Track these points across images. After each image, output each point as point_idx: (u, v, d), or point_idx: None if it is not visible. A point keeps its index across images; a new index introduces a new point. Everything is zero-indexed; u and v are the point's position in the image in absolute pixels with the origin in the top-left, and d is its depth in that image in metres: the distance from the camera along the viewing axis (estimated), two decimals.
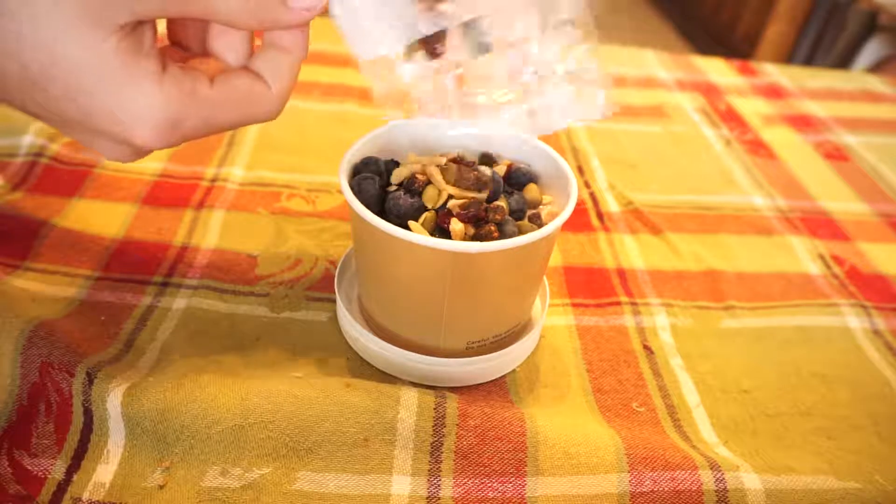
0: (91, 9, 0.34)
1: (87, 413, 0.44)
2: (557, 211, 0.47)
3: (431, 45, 0.44)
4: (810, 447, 0.50)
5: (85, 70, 0.36)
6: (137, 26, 0.36)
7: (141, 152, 0.41)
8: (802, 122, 0.98)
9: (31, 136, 0.69)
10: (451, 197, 0.46)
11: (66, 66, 0.35)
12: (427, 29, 0.41)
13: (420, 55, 0.44)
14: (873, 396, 0.54)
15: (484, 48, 0.44)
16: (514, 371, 0.53)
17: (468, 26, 0.43)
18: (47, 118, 0.39)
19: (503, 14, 0.43)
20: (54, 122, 0.39)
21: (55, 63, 0.35)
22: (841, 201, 0.80)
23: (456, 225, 0.45)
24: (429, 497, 0.43)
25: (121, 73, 0.36)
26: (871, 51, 2.53)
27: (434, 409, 0.46)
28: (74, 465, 0.43)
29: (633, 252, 0.67)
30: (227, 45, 0.43)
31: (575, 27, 0.43)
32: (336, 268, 0.56)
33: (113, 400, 0.44)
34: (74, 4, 0.34)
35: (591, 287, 0.62)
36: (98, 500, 0.41)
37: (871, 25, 2.56)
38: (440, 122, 0.54)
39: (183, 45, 0.44)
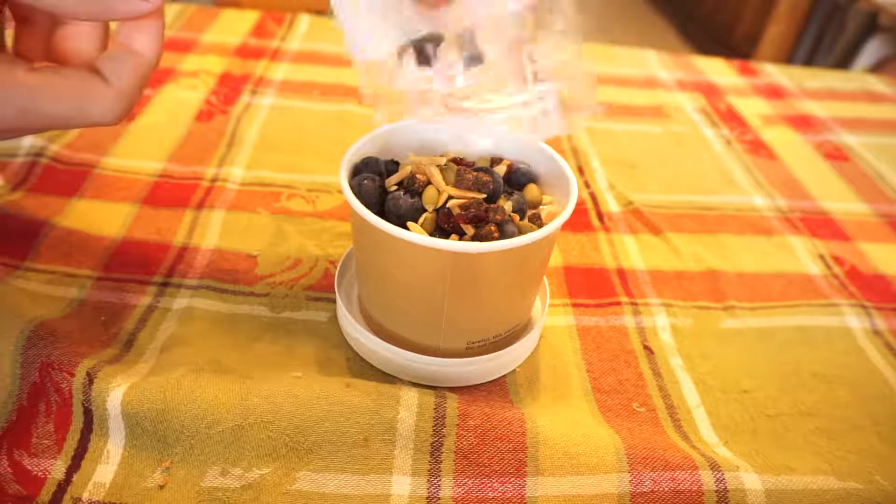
0: None
1: (87, 413, 0.44)
2: (558, 211, 0.47)
3: (424, 49, 0.43)
4: (810, 447, 0.50)
5: None
6: None
7: None
8: (802, 123, 0.98)
9: (32, 136, 0.69)
10: (451, 197, 0.46)
11: None
12: (422, 32, 0.41)
13: (412, 58, 0.44)
14: (873, 396, 0.54)
15: (476, 59, 0.44)
16: (514, 371, 0.53)
17: (462, 35, 0.43)
18: None
19: (497, 22, 0.42)
20: None
21: None
22: (841, 201, 0.80)
23: (468, 229, 0.45)
24: (429, 497, 0.43)
25: None
26: (871, 51, 2.53)
27: (434, 409, 0.45)
28: (74, 465, 0.43)
29: (633, 252, 0.67)
30: (71, 49, 0.42)
31: (567, 34, 0.43)
32: (336, 268, 0.56)
33: (113, 400, 0.44)
34: None
35: (591, 287, 0.62)
36: (98, 500, 0.41)
37: (871, 25, 2.56)
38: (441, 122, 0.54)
39: (27, 58, 0.42)
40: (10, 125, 0.38)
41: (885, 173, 0.86)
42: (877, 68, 2.39)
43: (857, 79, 1.15)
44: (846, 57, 2.61)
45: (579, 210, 0.72)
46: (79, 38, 0.41)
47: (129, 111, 0.41)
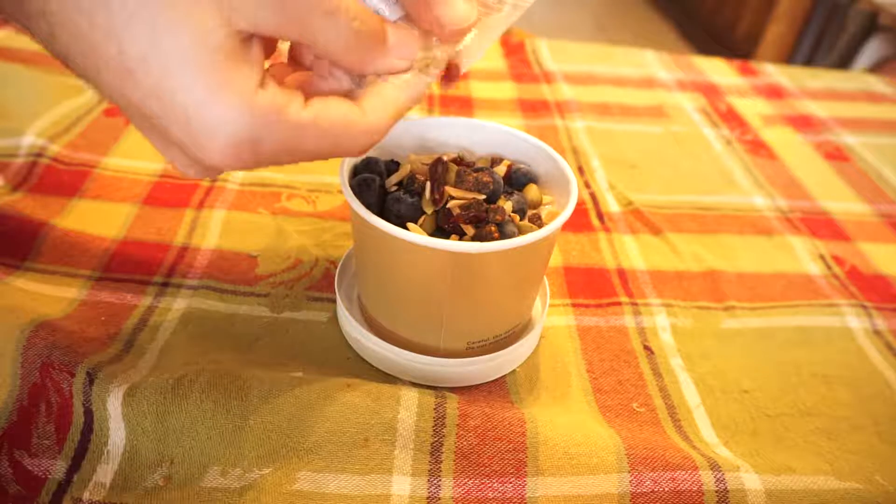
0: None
1: (88, 413, 0.44)
2: (558, 211, 0.48)
3: None
4: (811, 447, 0.50)
5: (181, 62, 0.32)
6: (249, 37, 0.35)
7: (211, 171, 0.39)
8: (803, 123, 0.98)
9: (32, 136, 0.69)
10: (451, 197, 0.46)
11: (164, 53, 0.32)
12: None
13: None
14: (874, 397, 0.54)
15: None
16: (514, 371, 0.53)
17: None
18: (130, 114, 0.37)
19: None
20: (135, 120, 0.38)
21: (154, 47, 0.32)
22: (841, 201, 0.80)
23: (468, 230, 0.45)
24: (429, 497, 0.43)
25: (214, 75, 0.33)
26: (871, 51, 2.53)
27: (434, 409, 0.46)
28: (75, 466, 0.43)
29: (633, 252, 0.67)
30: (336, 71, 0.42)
31: None
32: (336, 268, 0.56)
33: (113, 400, 0.44)
34: None
35: (592, 287, 0.62)
36: (98, 500, 0.41)
37: (871, 25, 2.56)
38: (441, 122, 0.54)
39: (297, 60, 0.43)
40: (271, 162, 0.37)
41: (885, 173, 0.86)
42: (877, 68, 2.39)
43: (857, 79, 1.15)
44: (846, 57, 2.61)
45: (579, 210, 0.72)
46: None
47: (375, 144, 0.40)
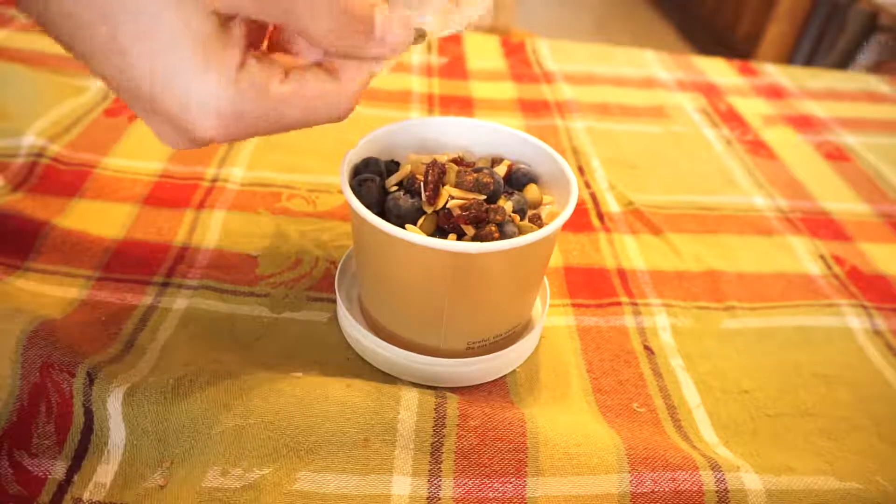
0: None
1: (88, 413, 0.44)
2: (558, 211, 0.48)
3: None
4: (811, 448, 0.50)
5: (169, 45, 0.35)
6: (230, 19, 0.37)
7: (197, 142, 0.40)
8: (803, 123, 0.98)
9: (32, 136, 0.69)
10: (451, 197, 0.46)
11: (153, 38, 0.35)
12: None
13: None
14: (874, 397, 0.54)
15: None
16: (514, 371, 0.53)
17: None
18: (116, 88, 0.38)
19: None
20: (122, 95, 0.39)
21: (144, 32, 0.35)
22: (842, 202, 0.80)
23: (468, 230, 0.45)
24: (429, 497, 0.43)
25: (203, 58, 0.36)
26: (872, 51, 2.53)
27: (434, 409, 0.46)
28: (75, 466, 0.43)
29: (633, 252, 0.67)
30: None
31: None
32: (336, 268, 0.56)
33: (114, 400, 0.44)
34: None
35: (592, 287, 0.62)
36: (98, 500, 0.41)
37: (871, 25, 2.56)
38: (441, 122, 0.54)
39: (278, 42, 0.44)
40: (256, 132, 0.40)
41: (885, 173, 0.86)
42: (877, 68, 2.39)
43: (857, 79, 1.15)
44: (846, 57, 2.61)
45: (579, 210, 0.72)
46: None
47: (353, 110, 0.43)
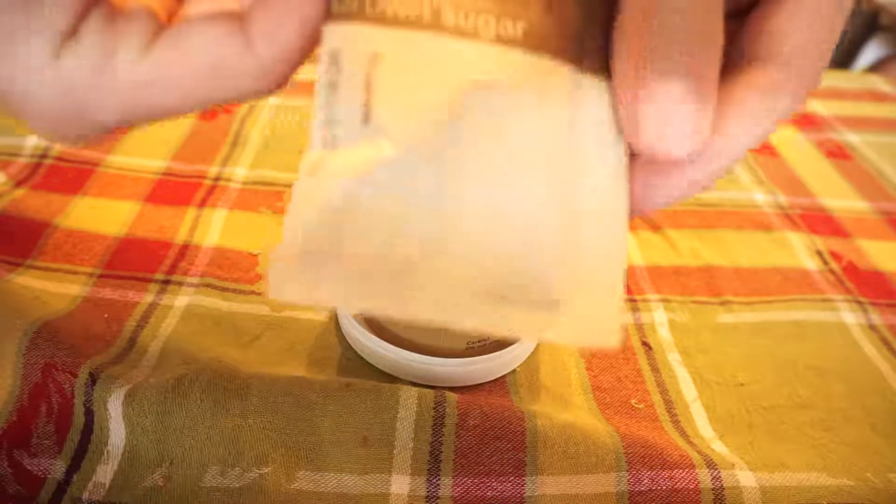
0: None
1: (89, 413, 0.45)
2: None
3: None
4: (805, 440, 0.50)
5: None
6: None
7: (52, 137, 0.29)
8: (805, 121, 0.97)
9: (36, 136, 0.69)
10: None
11: None
12: None
13: None
14: (868, 389, 0.55)
15: None
16: (514, 371, 0.53)
17: None
18: None
19: None
20: None
21: None
22: (841, 199, 0.80)
23: None
24: (428, 496, 0.43)
25: (11, 20, 0.25)
26: (872, 51, 2.52)
27: (434, 408, 0.46)
28: (74, 466, 0.43)
29: (632, 249, 0.67)
30: None
31: None
32: None
33: (114, 400, 0.44)
34: None
35: None
36: (98, 500, 0.42)
37: (872, 25, 2.55)
38: None
39: None
40: (113, 125, 0.28)
41: (886, 171, 0.86)
42: (877, 68, 2.38)
43: (860, 79, 1.14)
44: (846, 57, 2.60)
45: None
46: None
47: (281, 83, 0.29)
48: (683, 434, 0.50)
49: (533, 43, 0.28)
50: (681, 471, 0.45)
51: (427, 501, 0.43)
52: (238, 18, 0.27)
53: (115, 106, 0.27)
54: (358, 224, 0.25)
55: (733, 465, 0.46)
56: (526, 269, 0.26)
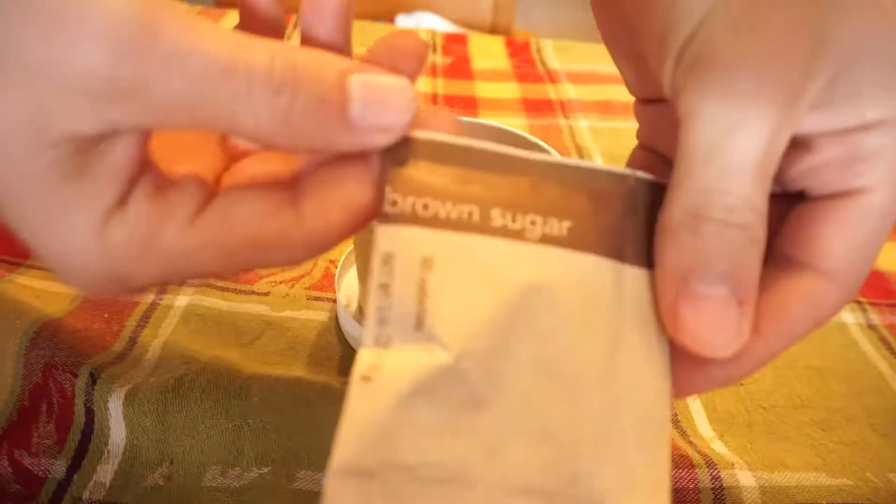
0: (32, 106, 0.24)
1: (89, 413, 0.45)
2: None
3: None
4: (805, 440, 0.50)
5: (18, 192, 0.25)
6: (99, 140, 0.25)
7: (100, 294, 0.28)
8: None
9: None
10: None
11: (6, 182, 0.25)
12: None
13: None
14: (867, 389, 0.55)
15: None
16: None
17: None
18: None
19: None
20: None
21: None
22: None
23: None
24: None
25: (51, 201, 0.25)
26: None
27: None
28: (75, 465, 0.43)
29: None
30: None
31: None
32: (336, 267, 0.57)
33: (115, 400, 0.44)
34: (20, 101, 0.23)
35: None
36: (98, 500, 0.42)
37: None
38: None
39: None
40: (158, 283, 0.28)
41: None
42: None
43: None
44: None
45: None
46: None
47: (323, 253, 0.29)
48: (683, 434, 0.50)
49: (577, 241, 0.29)
50: (680, 470, 0.45)
51: None
52: (288, 188, 0.28)
53: (157, 272, 0.27)
54: (412, 436, 0.25)
55: (733, 464, 0.46)
56: (573, 467, 0.27)
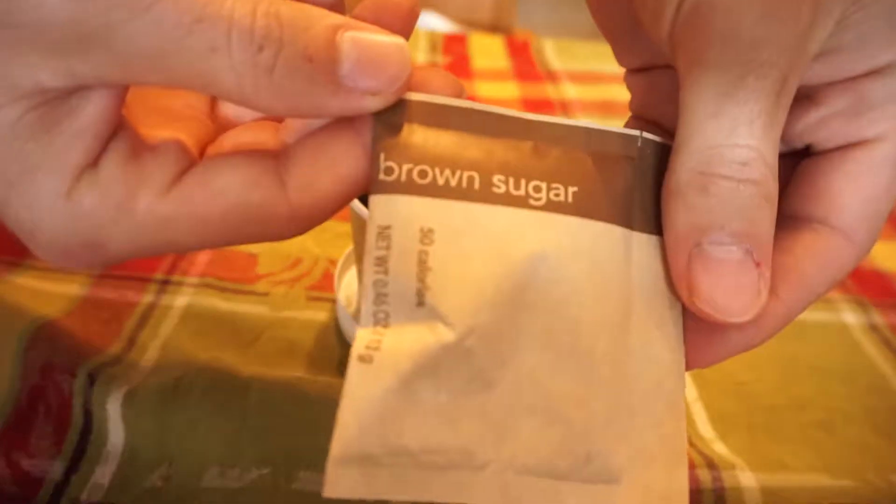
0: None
1: (87, 414, 0.44)
2: None
3: None
4: (806, 440, 0.50)
5: None
6: (67, 95, 0.24)
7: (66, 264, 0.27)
8: None
9: None
10: None
11: None
12: None
13: None
14: (869, 389, 0.54)
15: None
16: None
17: None
18: None
19: None
20: None
21: None
22: None
23: None
24: None
25: (18, 159, 0.24)
26: None
27: None
28: (73, 467, 0.43)
29: None
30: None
31: None
32: (336, 267, 0.56)
33: (113, 401, 0.44)
34: None
35: None
36: (96, 501, 0.42)
37: None
38: None
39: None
40: (133, 256, 0.27)
41: None
42: None
43: None
44: None
45: None
46: None
47: (311, 228, 0.28)
48: None
49: (584, 207, 0.28)
50: None
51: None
52: (273, 158, 0.27)
53: (132, 241, 0.25)
54: (416, 419, 0.24)
55: (734, 465, 0.46)
56: (586, 446, 0.26)
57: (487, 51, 1.08)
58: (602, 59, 1.09)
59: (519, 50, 1.10)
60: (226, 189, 0.25)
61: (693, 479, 0.44)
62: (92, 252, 0.25)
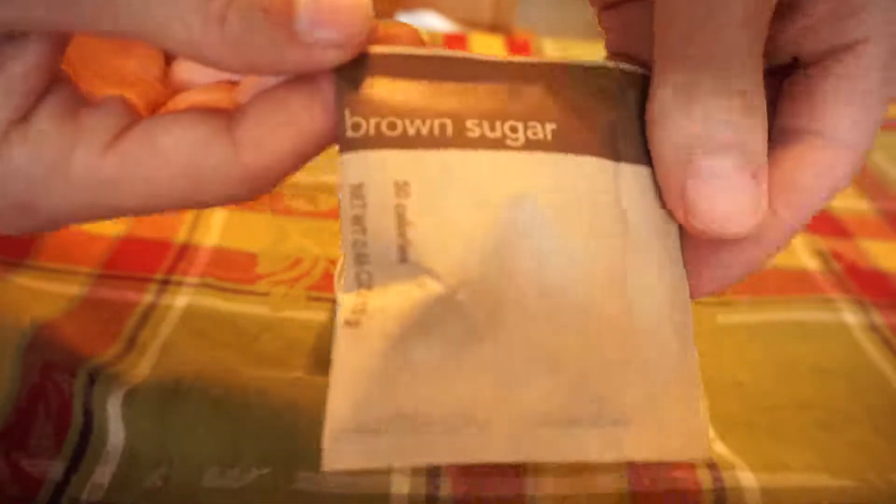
0: None
1: (87, 414, 0.44)
2: None
3: None
4: (806, 441, 0.50)
5: None
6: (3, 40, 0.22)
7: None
8: None
9: None
10: None
11: None
12: None
13: None
14: (869, 390, 0.54)
15: None
16: None
17: None
18: None
19: None
20: None
21: None
22: (844, 198, 0.79)
23: None
24: (428, 496, 0.43)
25: None
26: None
27: None
28: (73, 467, 0.43)
29: None
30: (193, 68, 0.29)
31: None
32: (336, 267, 0.56)
33: (114, 401, 0.44)
34: None
35: None
36: (96, 501, 0.41)
37: None
38: None
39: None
40: (71, 222, 0.26)
41: (889, 171, 0.86)
42: None
43: None
44: None
45: None
46: None
47: (266, 191, 0.26)
48: None
49: (565, 143, 0.27)
50: (681, 471, 0.45)
51: (427, 501, 0.43)
52: (226, 116, 0.25)
53: (69, 203, 0.24)
54: (411, 381, 0.23)
55: (734, 465, 0.45)
56: (594, 391, 0.25)
57: (487, 50, 1.08)
58: (601, 58, 1.09)
59: (519, 50, 1.10)
60: (172, 147, 0.24)
61: (693, 480, 0.44)
62: (23, 215, 0.24)
